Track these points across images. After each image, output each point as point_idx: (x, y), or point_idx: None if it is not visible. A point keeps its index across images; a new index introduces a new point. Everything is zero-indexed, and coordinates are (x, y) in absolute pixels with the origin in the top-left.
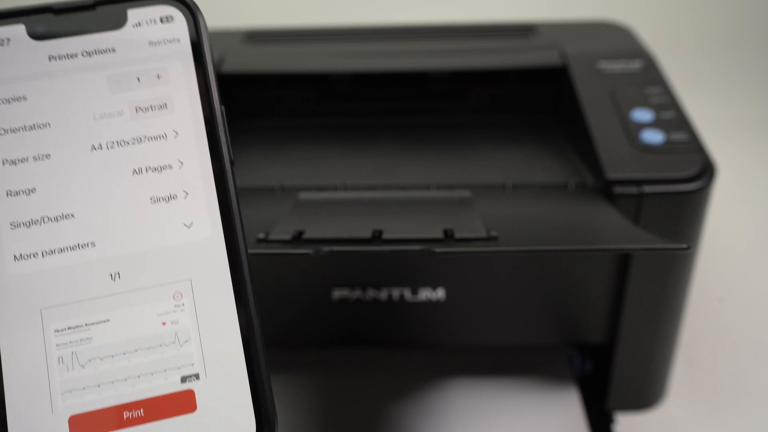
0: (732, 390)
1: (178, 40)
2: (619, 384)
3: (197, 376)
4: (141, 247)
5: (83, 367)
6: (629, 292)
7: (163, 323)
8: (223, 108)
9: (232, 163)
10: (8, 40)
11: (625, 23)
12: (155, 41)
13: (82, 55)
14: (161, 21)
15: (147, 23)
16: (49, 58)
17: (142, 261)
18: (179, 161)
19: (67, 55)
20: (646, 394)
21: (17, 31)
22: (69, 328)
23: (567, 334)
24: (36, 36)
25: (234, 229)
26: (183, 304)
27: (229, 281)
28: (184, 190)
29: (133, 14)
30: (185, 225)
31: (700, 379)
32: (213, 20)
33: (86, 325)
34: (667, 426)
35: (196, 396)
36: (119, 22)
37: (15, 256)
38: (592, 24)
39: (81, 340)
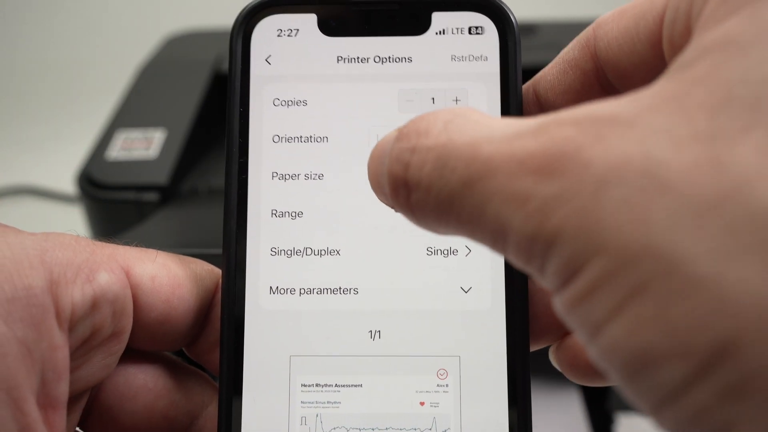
0: None
1: (486, 58)
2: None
3: None
4: (408, 305)
5: None
6: None
7: (422, 403)
8: None
9: None
10: (297, 30)
11: None
12: (459, 56)
13: (375, 60)
14: (469, 32)
15: (452, 32)
16: (338, 59)
17: (407, 323)
18: None
19: (358, 58)
20: None
21: (308, 21)
22: (317, 386)
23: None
24: (327, 31)
25: (520, 303)
26: (447, 385)
27: (504, 368)
28: (466, 245)
29: (439, 19)
30: (462, 289)
31: None
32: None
33: (336, 386)
34: None
35: None
36: (421, 27)
37: (271, 288)
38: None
39: (328, 402)
